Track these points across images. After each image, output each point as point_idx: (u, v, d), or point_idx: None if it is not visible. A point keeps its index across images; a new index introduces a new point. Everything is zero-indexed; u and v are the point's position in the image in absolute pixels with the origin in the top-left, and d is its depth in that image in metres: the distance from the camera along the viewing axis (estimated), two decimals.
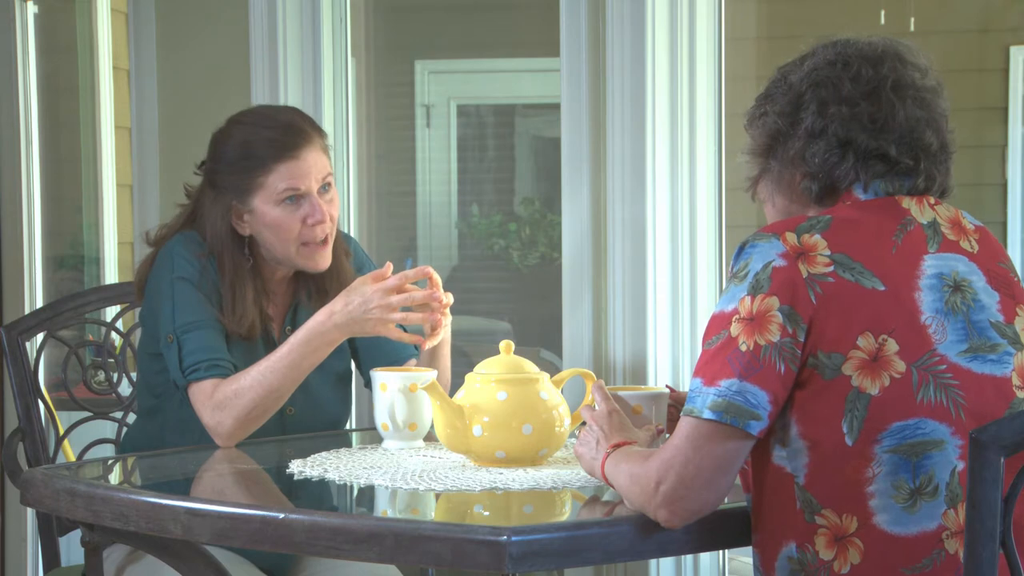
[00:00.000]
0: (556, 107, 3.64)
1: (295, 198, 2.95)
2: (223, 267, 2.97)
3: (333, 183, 3.03)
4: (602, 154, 3.55)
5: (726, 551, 3.50)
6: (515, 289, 5.78)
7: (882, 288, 2.12)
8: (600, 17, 3.53)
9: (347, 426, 3.26)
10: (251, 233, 2.99)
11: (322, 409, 3.06)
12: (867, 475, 2.10)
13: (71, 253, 4.93)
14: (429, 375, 2.75)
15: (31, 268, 4.50)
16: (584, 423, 2.45)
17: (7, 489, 4.43)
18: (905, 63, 2.24)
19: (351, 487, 2.51)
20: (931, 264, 2.17)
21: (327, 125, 3.92)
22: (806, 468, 2.12)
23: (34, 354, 3.37)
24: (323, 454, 2.75)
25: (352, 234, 4.07)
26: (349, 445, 2.88)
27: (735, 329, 2.11)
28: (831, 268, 2.12)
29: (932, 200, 2.23)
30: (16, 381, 3.26)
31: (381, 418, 2.80)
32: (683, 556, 3.45)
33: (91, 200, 4.85)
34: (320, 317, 2.87)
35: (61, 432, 3.35)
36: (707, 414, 2.10)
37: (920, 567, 2.10)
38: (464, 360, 5.00)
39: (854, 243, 2.15)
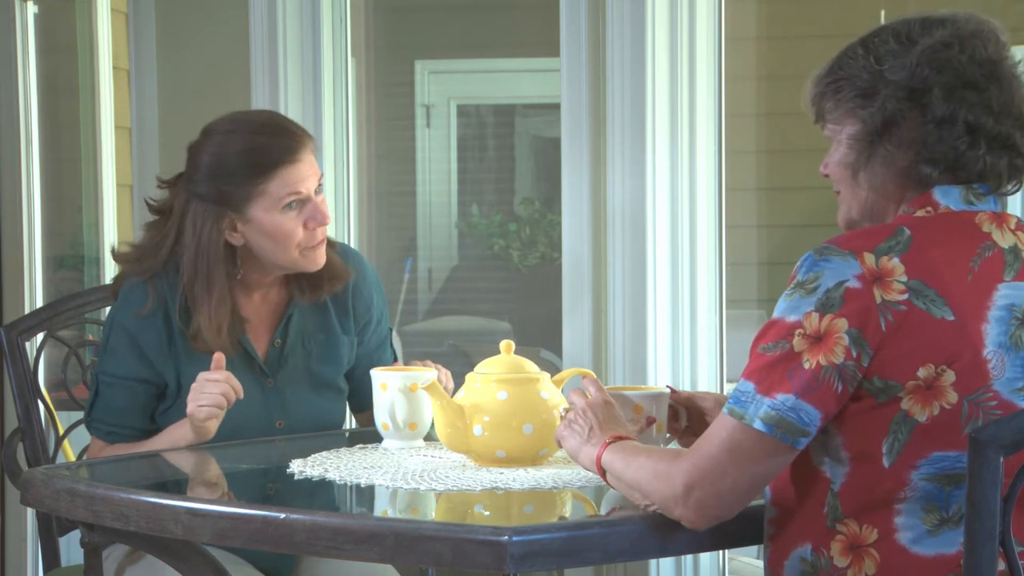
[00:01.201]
0: (556, 107, 3.64)
1: (296, 203, 2.91)
2: (206, 285, 2.91)
3: (322, 184, 2.99)
4: (602, 154, 3.55)
5: (726, 551, 3.50)
6: (515, 289, 5.77)
7: (951, 319, 2.07)
8: (600, 17, 3.54)
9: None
10: (244, 243, 2.94)
11: (312, 420, 3.05)
12: (899, 496, 2.09)
13: (71, 253, 4.93)
14: (429, 375, 2.75)
15: (31, 268, 4.50)
16: (567, 408, 2.42)
17: (7, 489, 4.43)
18: (1001, 42, 2.18)
19: (351, 487, 2.51)
20: (1004, 294, 2.11)
21: (327, 125, 3.92)
22: (844, 477, 2.11)
23: (34, 354, 3.37)
24: (323, 454, 2.75)
25: (352, 234, 4.07)
26: (349, 445, 2.88)
27: (799, 344, 2.07)
28: (905, 296, 2.06)
29: (1013, 223, 2.17)
30: (16, 381, 3.26)
31: (381, 418, 2.80)
32: (683, 556, 3.45)
33: (91, 200, 4.84)
34: (181, 431, 2.87)
35: (61, 432, 3.35)
36: (758, 424, 2.07)
37: None
38: (464, 360, 5.00)
39: (932, 268, 2.09)
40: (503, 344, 2.67)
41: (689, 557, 3.48)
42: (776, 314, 2.12)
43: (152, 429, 2.97)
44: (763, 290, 5.53)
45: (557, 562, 2.12)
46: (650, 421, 2.46)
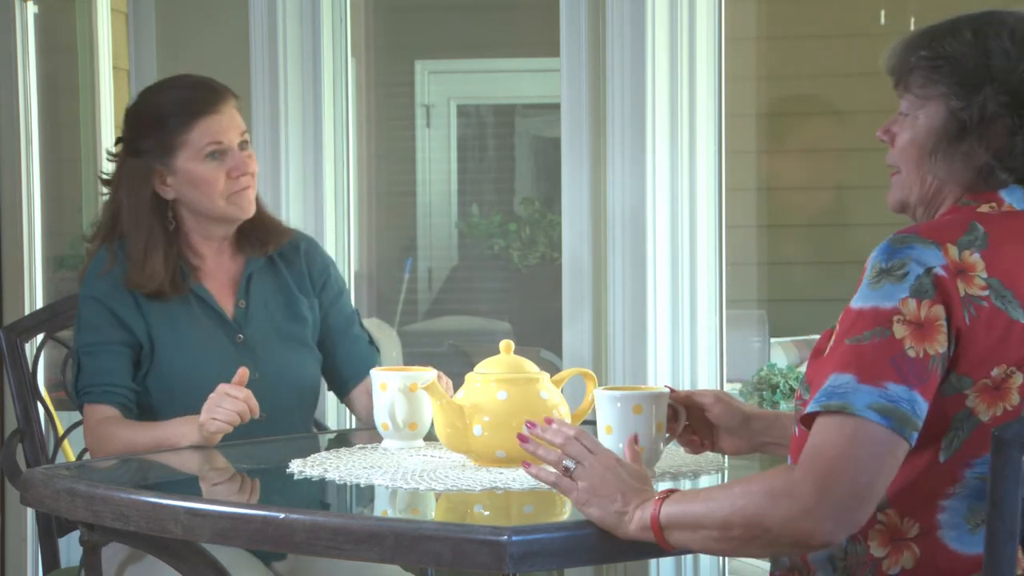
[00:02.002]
0: (556, 107, 3.64)
1: (217, 153, 3.04)
2: (137, 231, 3.04)
3: (250, 141, 3.12)
4: (602, 154, 3.55)
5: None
6: (515, 289, 5.77)
7: None
8: (600, 17, 3.54)
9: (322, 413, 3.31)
10: (176, 196, 3.07)
11: (286, 373, 3.09)
12: (947, 492, 2.06)
13: (71, 253, 4.93)
14: (429, 375, 2.75)
15: (31, 268, 4.50)
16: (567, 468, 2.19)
17: (7, 489, 4.43)
18: None
19: (351, 487, 2.51)
20: None
21: (327, 125, 3.92)
22: None
23: (33, 355, 3.37)
24: (323, 454, 2.75)
25: (352, 234, 4.07)
26: (349, 445, 2.88)
27: (899, 331, 1.98)
28: (986, 292, 2.02)
29: None
30: (15, 383, 3.26)
31: (381, 418, 2.80)
32: (683, 556, 3.45)
33: (91, 200, 4.84)
34: (187, 428, 2.89)
35: (61, 432, 3.35)
36: (871, 415, 1.94)
37: None
38: (464, 360, 5.00)
39: (1008, 268, 2.05)
40: (503, 344, 2.67)
41: (689, 557, 3.48)
42: (860, 304, 2.02)
43: (141, 392, 3.04)
44: (763, 290, 5.53)
45: (556, 562, 2.12)
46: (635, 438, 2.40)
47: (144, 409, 3.04)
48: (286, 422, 3.06)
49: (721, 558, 3.55)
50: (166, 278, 3.04)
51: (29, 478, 2.56)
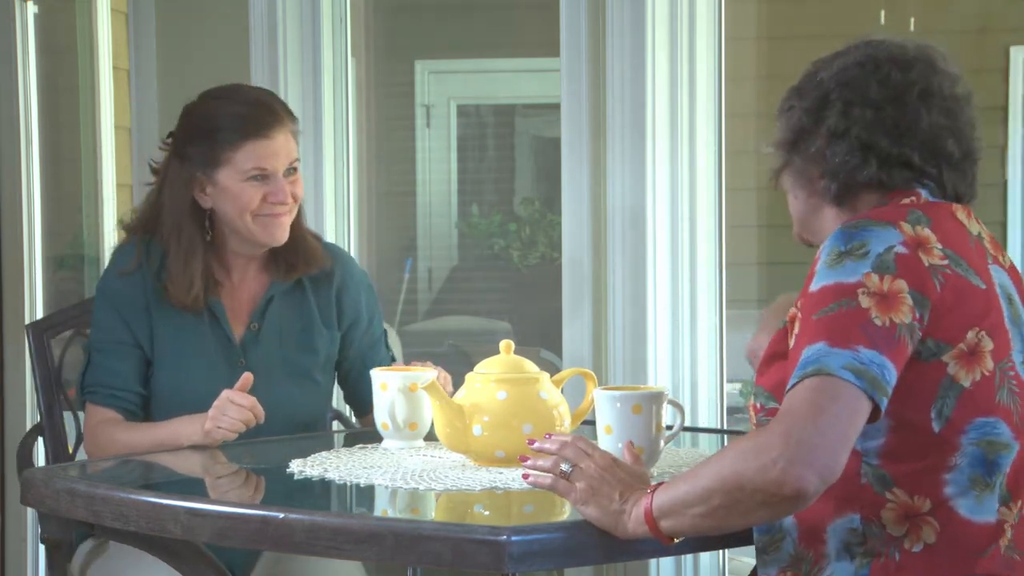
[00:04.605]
0: (556, 107, 3.64)
1: (260, 177, 2.98)
2: (178, 237, 3.00)
3: (299, 168, 3.05)
4: (602, 154, 3.55)
5: (726, 551, 3.50)
6: (515, 289, 5.78)
7: (983, 287, 2.13)
8: (600, 17, 3.54)
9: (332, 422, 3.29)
10: (212, 207, 3.02)
11: (280, 405, 3.02)
12: (949, 463, 2.09)
13: (71, 253, 4.93)
14: (429, 375, 2.75)
15: (31, 268, 4.50)
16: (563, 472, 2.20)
17: (7, 489, 4.43)
18: (936, 70, 2.22)
19: (351, 487, 2.51)
20: (994, 273, 2.19)
21: (327, 125, 3.92)
22: (882, 447, 2.09)
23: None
24: (323, 454, 2.75)
25: (352, 234, 4.07)
26: (349, 445, 2.88)
27: (865, 301, 2.03)
28: (946, 262, 2.10)
29: (973, 215, 2.23)
30: (40, 378, 3.25)
31: (381, 418, 2.80)
32: (683, 556, 3.45)
33: (91, 200, 4.84)
34: (189, 429, 2.88)
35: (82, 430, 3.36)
36: (845, 375, 1.99)
37: (985, 553, 2.10)
38: (464, 360, 5.00)
39: (952, 241, 2.13)
40: (502, 344, 2.67)
41: (689, 557, 3.48)
42: (824, 282, 2.07)
43: (148, 396, 3.03)
44: (763, 290, 5.53)
45: (556, 562, 2.12)
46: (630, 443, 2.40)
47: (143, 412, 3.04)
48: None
49: (721, 558, 3.55)
50: (201, 292, 3.00)
51: (29, 478, 2.56)
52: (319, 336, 3.10)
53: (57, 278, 4.81)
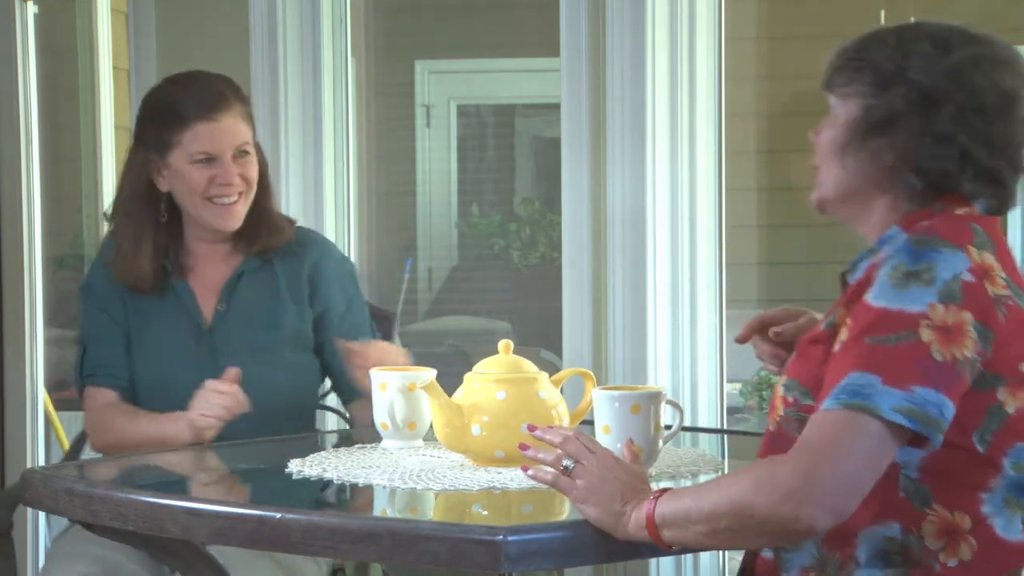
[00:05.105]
0: (556, 107, 3.64)
1: (207, 160, 3.02)
2: (127, 214, 3.06)
3: (252, 152, 3.08)
4: (602, 154, 3.55)
5: (726, 551, 3.49)
6: (515, 289, 5.78)
7: None
8: (600, 17, 3.53)
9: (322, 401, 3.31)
10: (169, 189, 3.06)
11: (247, 381, 3.00)
12: (988, 485, 2.08)
13: (71, 253, 4.93)
14: (429, 374, 2.75)
15: (31, 268, 4.50)
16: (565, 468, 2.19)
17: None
18: (1019, 74, 2.16)
19: (349, 487, 2.51)
20: None
21: (327, 125, 3.92)
22: (921, 462, 2.06)
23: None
24: (322, 453, 2.75)
25: (352, 234, 4.07)
26: (348, 445, 2.88)
27: (926, 335, 1.98)
28: (1008, 292, 2.06)
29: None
30: None
31: (380, 417, 2.79)
32: (683, 556, 3.45)
33: (91, 200, 4.84)
34: (174, 428, 2.92)
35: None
36: (895, 417, 1.96)
37: (1017, 573, 2.10)
38: (464, 360, 5.00)
39: (1011, 269, 2.10)
40: (502, 344, 2.67)
41: (689, 557, 3.48)
42: (885, 304, 2.02)
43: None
44: (763, 290, 5.53)
45: (554, 562, 2.12)
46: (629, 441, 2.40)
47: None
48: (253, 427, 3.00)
49: (721, 558, 3.55)
50: (150, 272, 3.04)
51: (28, 478, 2.56)
52: (285, 312, 3.10)
53: (57, 278, 4.81)
